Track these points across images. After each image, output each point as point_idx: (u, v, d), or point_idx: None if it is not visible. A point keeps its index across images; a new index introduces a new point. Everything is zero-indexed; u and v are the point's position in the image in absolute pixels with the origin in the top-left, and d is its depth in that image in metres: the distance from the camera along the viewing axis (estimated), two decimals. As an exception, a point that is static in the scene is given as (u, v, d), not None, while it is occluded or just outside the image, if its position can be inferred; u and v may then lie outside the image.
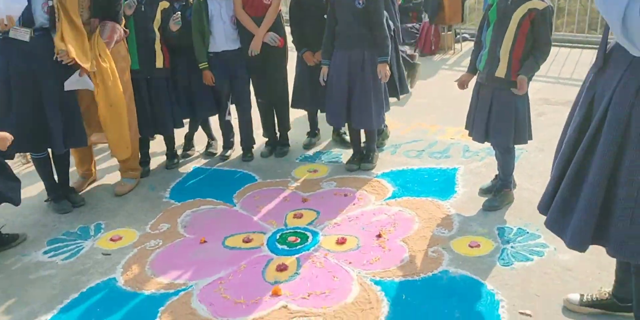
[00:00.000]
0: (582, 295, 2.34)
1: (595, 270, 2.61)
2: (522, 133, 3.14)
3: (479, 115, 3.20)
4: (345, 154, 4.24)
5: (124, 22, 3.71)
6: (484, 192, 3.47)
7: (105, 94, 3.52)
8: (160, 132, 4.22)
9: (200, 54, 3.97)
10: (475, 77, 3.27)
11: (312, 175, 3.98)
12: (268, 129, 4.42)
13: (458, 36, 7.63)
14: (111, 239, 3.30)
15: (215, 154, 4.47)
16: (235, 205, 3.61)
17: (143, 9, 3.80)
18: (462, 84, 3.33)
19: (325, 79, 3.82)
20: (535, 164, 3.82)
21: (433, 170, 3.88)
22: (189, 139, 4.53)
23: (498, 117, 3.11)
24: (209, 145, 4.55)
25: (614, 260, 2.22)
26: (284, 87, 4.25)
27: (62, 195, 3.71)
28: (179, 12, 3.87)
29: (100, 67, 3.45)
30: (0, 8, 3.04)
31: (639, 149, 1.72)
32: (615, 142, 1.73)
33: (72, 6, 3.30)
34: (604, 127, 1.76)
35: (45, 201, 3.73)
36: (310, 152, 4.39)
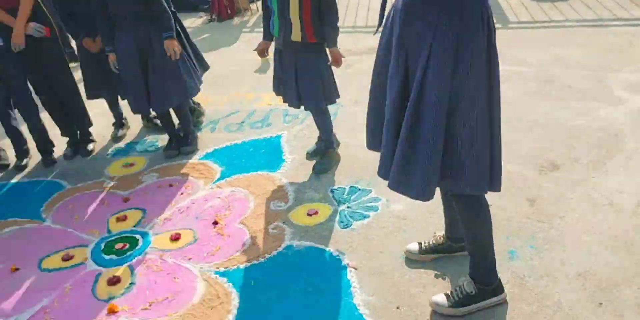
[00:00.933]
0: (420, 244, 2.41)
1: (427, 215, 2.71)
2: (331, 93, 3.11)
3: (288, 82, 3.10)
4: (161, 140, 3.92)
5: None
6: (311, 155, 3.43)
7: None
8: None
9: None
10: (273, 43, 3.15)
11: (129, 169, 3.62)
12: (65, 128, 3.91)
13: (252, -3, 7.47)
14: None
15: (8, 165, 3.87)
16: (44, 221, 3.16)
17: None
18: (262, 52, 3.20)
19: (116, 66, 3.45)
20: (354, 118, 3.86)
21: (257, 142, 3.75)
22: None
23: (305, 82, 3.04)
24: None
25: (441, 202, 2.30)
26: (68, 79, 3.74)
27: None
28: None
29: None
30: None
31: (468, 99, 1.72)
32: (444, 88, 1.70)
33: None
34: (426, 81, 1.71)
35: None
36: (122, 145, 4.00)
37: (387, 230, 2.66)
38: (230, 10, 7.01)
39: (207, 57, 4.01)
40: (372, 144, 2.09)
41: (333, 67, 3.05)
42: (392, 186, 1.90)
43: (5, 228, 3.13)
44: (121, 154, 3.85)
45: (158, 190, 3.31)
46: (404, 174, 1.84)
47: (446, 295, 2.12)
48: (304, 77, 3.03)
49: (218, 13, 6.97)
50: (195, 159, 3.63)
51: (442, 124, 1.73)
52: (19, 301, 2.51)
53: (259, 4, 7.41)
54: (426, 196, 1.83)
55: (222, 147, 3.74)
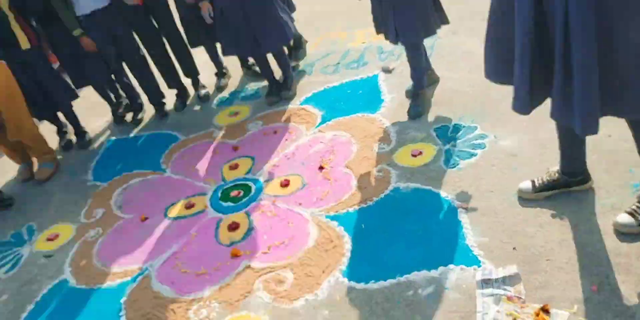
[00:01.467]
0: (533, 182, 2.33)
1: (538, 150, 2.59)
2: (429, 24, 2.94)
3: (385, 16, 2.99)
4: (263, 88, 4.00)
5: None
6: (410, 94, 3.34)
7: None
8: (59, 110, 3.93)
9: (68, 21, 3.58)
10: None
11: (235, 118, 3.76)
12: (173, 79, 4.10)
13: None
14: (48, 239, 3.09)
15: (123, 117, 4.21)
16: (165, 171, 3.39)
17: None
18: None
19: (211, 15, 3.50)
20: (453, 49, 3.68)
21: (355, 83, 3.72)
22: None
23: (399, 13, 2.89)
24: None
25: (554, 136, 2.19)
26: (177, 30, 3.92)
27: None
28: None
29: None
30: None
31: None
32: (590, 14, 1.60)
33: None
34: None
35: None
36: (226, 94, 4.13)
37: (496, 168, 2.59)
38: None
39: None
40: (498, 75, 1.98)
41: None
42: (555, 117, 1.83)
43: (131, 180, 3.41)
44: (226, 104, 3.98)
45: (264, 138, 3.42)
46: (566, 105, 1.76)
47: None
48: (397, 8, 2.89)
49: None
50: (295, 104, 3.68)
51: (594, 48, 1.63)
52: (152, 248, 2.77)
53: None
54: (592, 128, 1.75)
55: (321, 91, 3.75)
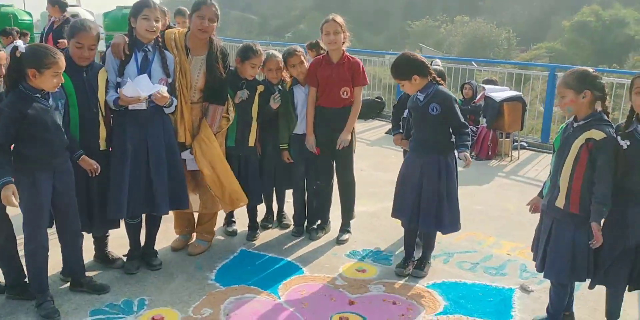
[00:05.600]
0: None
1: None
2: (580, 270, 2.93)
3: (540, 243, 3.09)
4: (395, 257, 4.14)
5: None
6: (540, 326, 3.26)
7: (203, 159, 3.83)
8: (250, 203, 4.31)
9: (282, 136, 4.31)
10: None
11: (360, 275, 3.88)
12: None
13: (516, 143, 7.62)
14: (153, 318, 3.24)
15: (289, 225, 4.66)
16: (279, 298, 3.52)
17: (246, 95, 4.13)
18: (535, 209, 3.23)
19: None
20: (601, 295, 3.59)
21: (488, 288, 3.72)
22: (279, 211, 4.78)
23: (553, 249, 2.98)
24: (281, 217, 4.76)
25: None
26: (352, 173, 4.42)
27: (138, 257, 3.86)
28: (277, 92, 4.22)
29: (197, 138, 3.85)
30: (142, 89, 3.37)
31: None
32: None
33: (185, 87, 3.74)
34: None
35: (124, 255, 3.91)
36: (359, 249, 4.31)
37: None
38: (492, 151, 7.25)
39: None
40: None
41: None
42: None
43: (246, 293, 3.57)
44: (357, 258, 4.15)
45: (382, 304, 3.47)
46: None
47: None
48: (554, 244, 2.98)
49: (478, 151, 7.26)
50: (422, 284, 3.74)
51: None
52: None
53: (522, 152, 7.53)
54: None
55: (451, 282, 3.79)
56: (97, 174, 3.39)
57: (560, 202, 2.93)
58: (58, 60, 3.00)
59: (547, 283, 3.62)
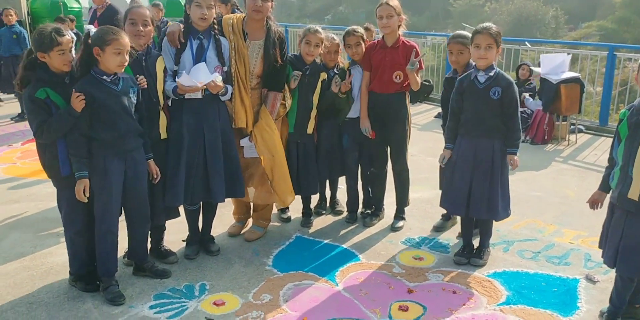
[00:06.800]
0: None
1: None
2: None
3: (611, 238, 2.95)
4: (453, 245, 4.07)
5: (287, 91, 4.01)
6: (605, 317, 3.13)
7: (264, 147, 3.83)
8: (306, 192, 4.34)
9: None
10: (608, 196, 3.04)
11: (418, 263, 3.83)
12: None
13: (573, 127, 7.36)
14: (214, 303, 3.28)
15: (342, 212, 4.65)
16: (337, 285, 3.51)
17: (307, 80, 4.09)
18: (595, 204, 3.08)
19: (444, 162, 3.74)
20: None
21: (551, 278, 3.61)
22: (332, 197, 4.79)
23: (626, 245, 2.84)
24: (334, 204, 4.75)
25: None
26: (406, 159, 4.34)
27: (197, 242, 3.92)
28: (338, 77, 4.17)
29: (257, 125, 3.83)
30: (199, 77, 3.39)
31: None
32: None
33: (243, 73, 3.69)
34: None
35: (183, 241, 3.98)
36: (415, 236, 4.26)
37: None
38: (548, 135, 7.02)
39: (511, 177, 3.97)
40: None
41: None
42: None
43: (304, 280, 3.57)
44: (413, 246, 4.10)
45: (441, 293, 3.42)
46: None
47: None
48: (628, 239, 2.84)
49: (534, 135, 7.04)
50: (482, 273, 3.66)
51: None
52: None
53: (580, 136, 7.28)
54: None
55: (513, 271, 3.70)
56: (155, 182, 3.46)
57: (634, 194, 2.78)
58: (119, 37, 3.05)
59: (613, 273, 3.50)
